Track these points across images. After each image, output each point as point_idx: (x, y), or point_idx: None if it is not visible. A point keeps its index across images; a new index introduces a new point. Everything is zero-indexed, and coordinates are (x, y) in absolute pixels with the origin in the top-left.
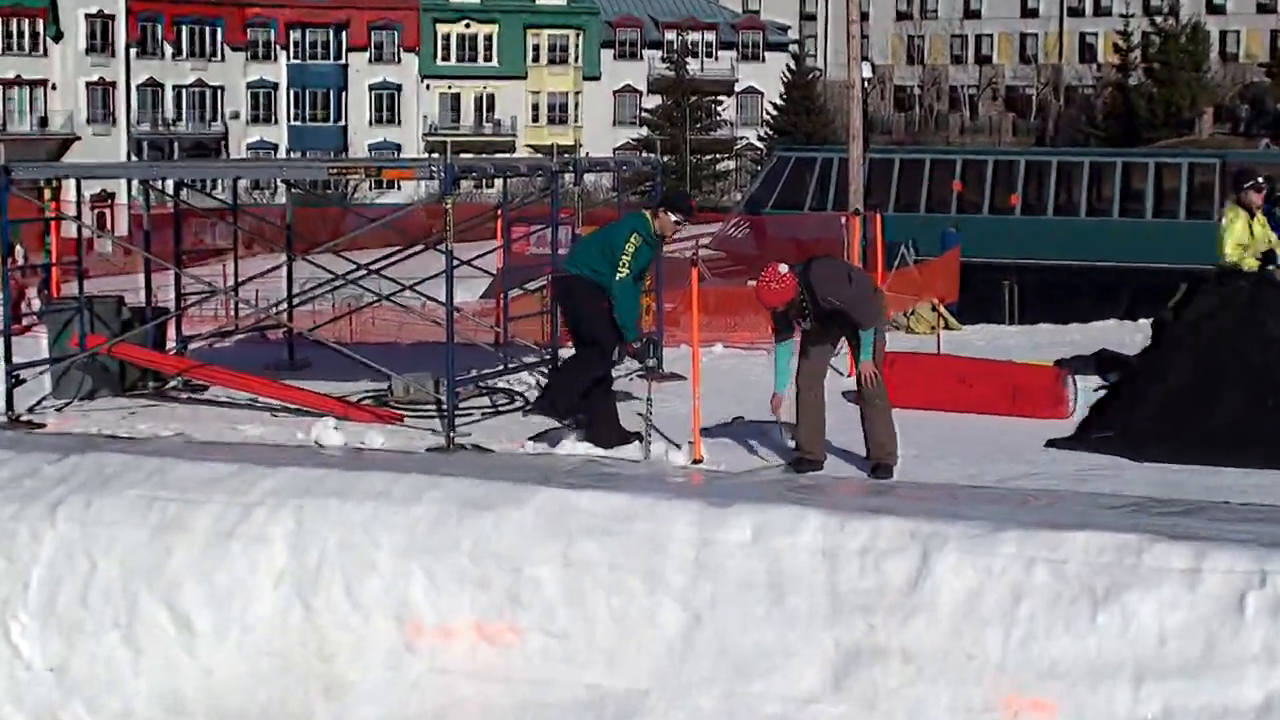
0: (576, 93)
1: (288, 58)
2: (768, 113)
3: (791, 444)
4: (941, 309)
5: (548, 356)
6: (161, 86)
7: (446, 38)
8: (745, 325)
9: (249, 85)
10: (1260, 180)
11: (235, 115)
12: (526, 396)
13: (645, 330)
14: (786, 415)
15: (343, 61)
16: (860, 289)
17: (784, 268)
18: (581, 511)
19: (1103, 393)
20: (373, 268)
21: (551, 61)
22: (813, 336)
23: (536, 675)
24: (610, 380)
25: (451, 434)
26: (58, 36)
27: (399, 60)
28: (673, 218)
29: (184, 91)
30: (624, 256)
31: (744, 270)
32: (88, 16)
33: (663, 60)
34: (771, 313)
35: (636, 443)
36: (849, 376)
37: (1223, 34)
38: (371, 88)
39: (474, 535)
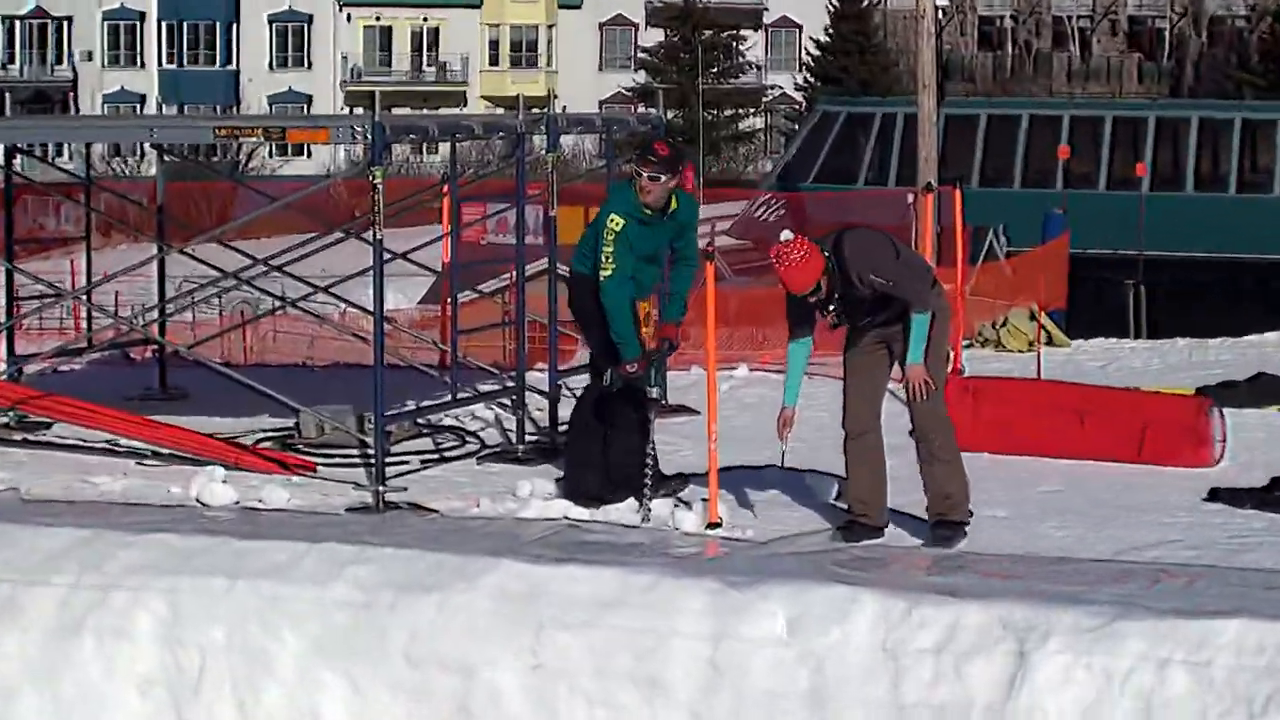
0: (550, 25)
1: None
2: (808, 52)
3: (839, 501)
4: (1044, 318)
5: (511, 383)
6: None
7: None
8: (778, 339)
9: (106, 16)
10: None
11: (87, 56)
12: (481, 438)
13: (654, 343)
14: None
15: None
16: (910, 266)
17: (789, 234)
18: (555, 595)
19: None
20: (275, 263)
21: None
22: (859, 345)
23: None
24: (609, 413)
25: (381, 489)
26: None
27: None
28: (644, 175)
29: (18, 24)
30: (605, 248)
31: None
32: None
33: None
34: (789, 302)
35: (633, 500)
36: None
37: None
38: (272, 19)
39: (410, 627)
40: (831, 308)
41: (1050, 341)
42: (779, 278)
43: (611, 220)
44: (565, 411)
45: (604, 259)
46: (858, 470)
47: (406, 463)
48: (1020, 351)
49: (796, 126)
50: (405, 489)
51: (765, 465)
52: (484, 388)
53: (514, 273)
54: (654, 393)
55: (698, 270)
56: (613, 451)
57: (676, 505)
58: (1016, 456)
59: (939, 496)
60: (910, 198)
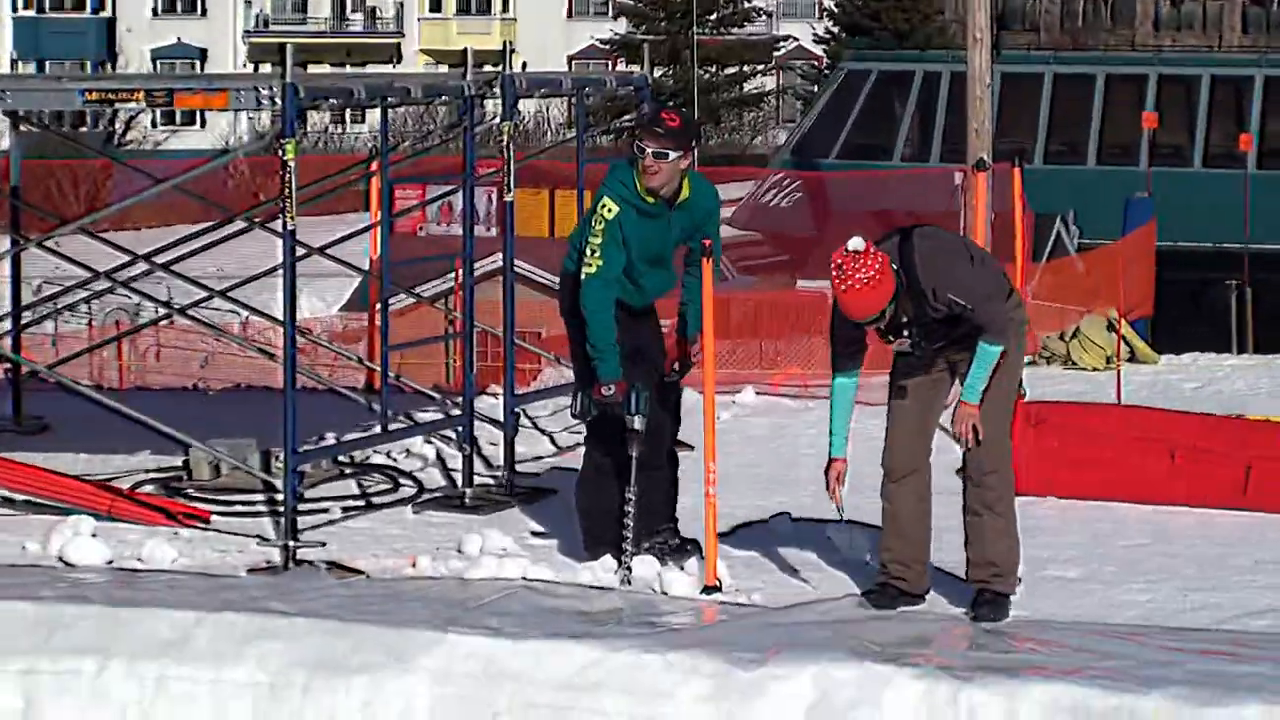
0: None
1: None
2: None
3: (871, 559)
4: (1125, 328)
5: (457, 411)
6: None
7: None
8: (793, 355)
9: None
10: None
11: None
12: (419, 480)
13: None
14: (861, 506)
15: None
16: (988, 276)
17: (858, 241)
18: (513, 677)
19: None
20: (159, 260)
21: None
22: (912, 366)
23: None
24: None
25: (292, 544)
26: None
27: None
28: (648, 151)
29: None
30: (591, 238)
31: (790, 261)
32: None
33: None
34: (836, 322)
35: (611, 558)
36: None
37: None
38: None
39: (330, 718)
40: (906, 335)
41: (1133, 357)
42: (837, 298)
43: (603, 206)
44: (524, 446)
45: (589, 252)
46: (896, 521)
47: (325, 511)
48: (1095, 370)
49: (816, 89)
50: (323, 544)
51: (776, 514)
52: (423, 417)
53: (460, 272)
54: (637, 423)
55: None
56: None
57: (665, 564)
58: (1090, 501)
59: (983, 562)
60: (958, 178)
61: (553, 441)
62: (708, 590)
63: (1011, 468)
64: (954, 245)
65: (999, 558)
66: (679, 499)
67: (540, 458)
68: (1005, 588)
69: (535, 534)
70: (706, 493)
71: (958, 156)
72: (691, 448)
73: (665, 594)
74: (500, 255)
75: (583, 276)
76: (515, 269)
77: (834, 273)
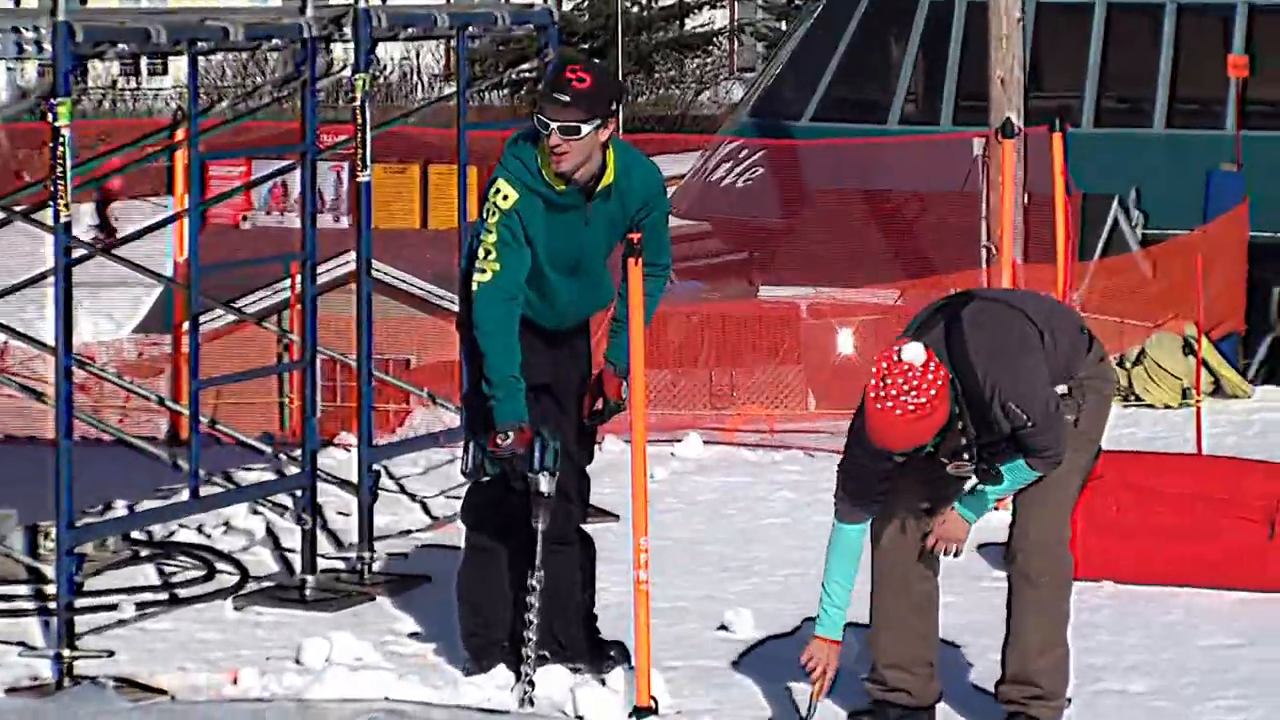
0: None
1: None
2: None
3: (860, 666)
4: (1207, 349)
5: (295, 470)
6: None
7: None
8: (755, 390)
9: None
10: None
11: None
12: (242, 564)
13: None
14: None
15: None
16: (1067, 359)
17: (918, 352)
18: None
19: None
20: None
21: None
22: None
23: None
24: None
25: (69, 653)
26: None
27: None
28: (553, 126)
29: None
30: (484, 237)
31: (750, 261)
32: None
33: None
34: (860, 455)
35: (505, 670)
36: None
37: None
38: None
39: None
40: (967, 457)
41: (1218, 389)
42: (868, 420)
43: (497, 192)
44: (387, 517)
45: (481, 254)
46: (891, 616)
47: (114, 608)
48: (1167, 407)
49: (783, 25)
50: (111, 653)
51: (731, 609)
52: (247, 478)
53: (298, 279)
54: (543, 484)
55: (661, 280)
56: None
57: (580, 676)
58: (1160, 588)
59: (1022, 679)
60: (977, 146)
61: (426, 510)
62: (638, 714)
63: (1069, 556)
64: (1019, 331)
65: (1044, 676)
66: (597, 588)
67: (409, 532)
68: (1048, 715)
69: (402, 637)
70: (636, 579)
71: (977, 117)
72: (615, 517)
73: (580, 719)
74: (353, 255)
75: (474, 286)
76: (374, 274)
77: (874, 385)
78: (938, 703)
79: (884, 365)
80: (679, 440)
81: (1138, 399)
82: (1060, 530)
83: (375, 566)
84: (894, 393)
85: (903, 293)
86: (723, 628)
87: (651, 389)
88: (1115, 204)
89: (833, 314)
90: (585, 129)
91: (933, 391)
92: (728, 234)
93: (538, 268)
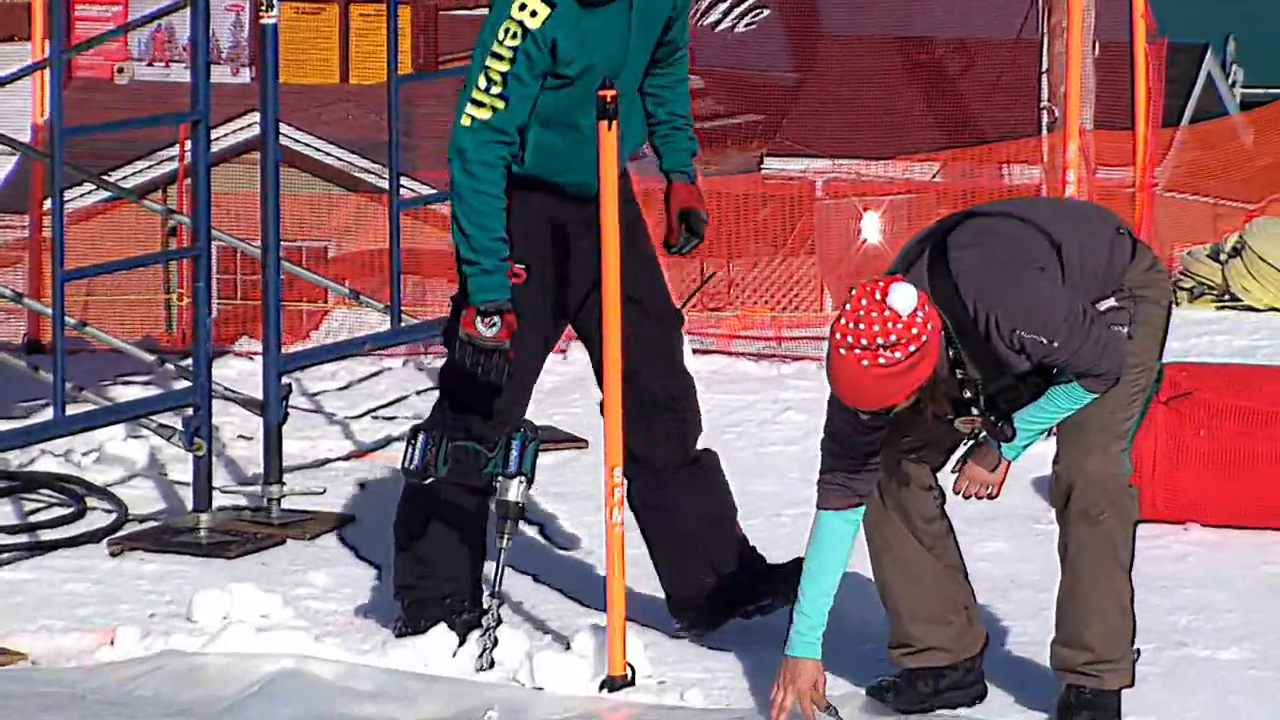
0: None
1: None
2: None
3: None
4: None
5: (185, 384)
6: None
7: None
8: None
9: None
10: None
11: None
12: (121, 500)
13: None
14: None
15: None
16: (1084, 268)
17: (908, 297)
18: None
19: None
20: None
21: None
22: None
23: None
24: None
25: None
26: None
27: None
28: None
29: None
30: (490, 64)
31: (752, 128)
32: None
33: None
34: (838, 418)
35: (447, 630)
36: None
37: None
38: None
39: None
40: (976, 411)
41: None
42: (832, 371)
43: (522, 7)
44: (295, 444)
45: (480, 83)
46: (901, 560)
47: None
48: (1273, 309)
49: None
50: None
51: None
52: (125, 394)
53: (187, 146)
54: (512, 491)
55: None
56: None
57: (539, 643)
58: (1258, 533)
59: (1076, 644)
60: None
61: (348, 435)
62: (610, 685)
63: (1133, 490)
64: (1015, 244)
65: (1100, 640)
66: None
67: (327, 461)
68: (1110, 682)
69: (317, 590)
70: (608, 521)
71: None
72: (584, 444)
73: (542, 689)
74: (256, 117)
75: (464, 120)
76: (283, 140)
77: (843, 325)
78: (978, 660)
79: (862, 303)
80: None
81: (1234, 299)
82: (1120, 460)
83: (285, 504)
84: (864, 341)
85: (943, 166)
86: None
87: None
88: (1208, 56)
89: (855, 193)
90: None
91: (913, 348)
92: (725, 92)
93: (568, 102)
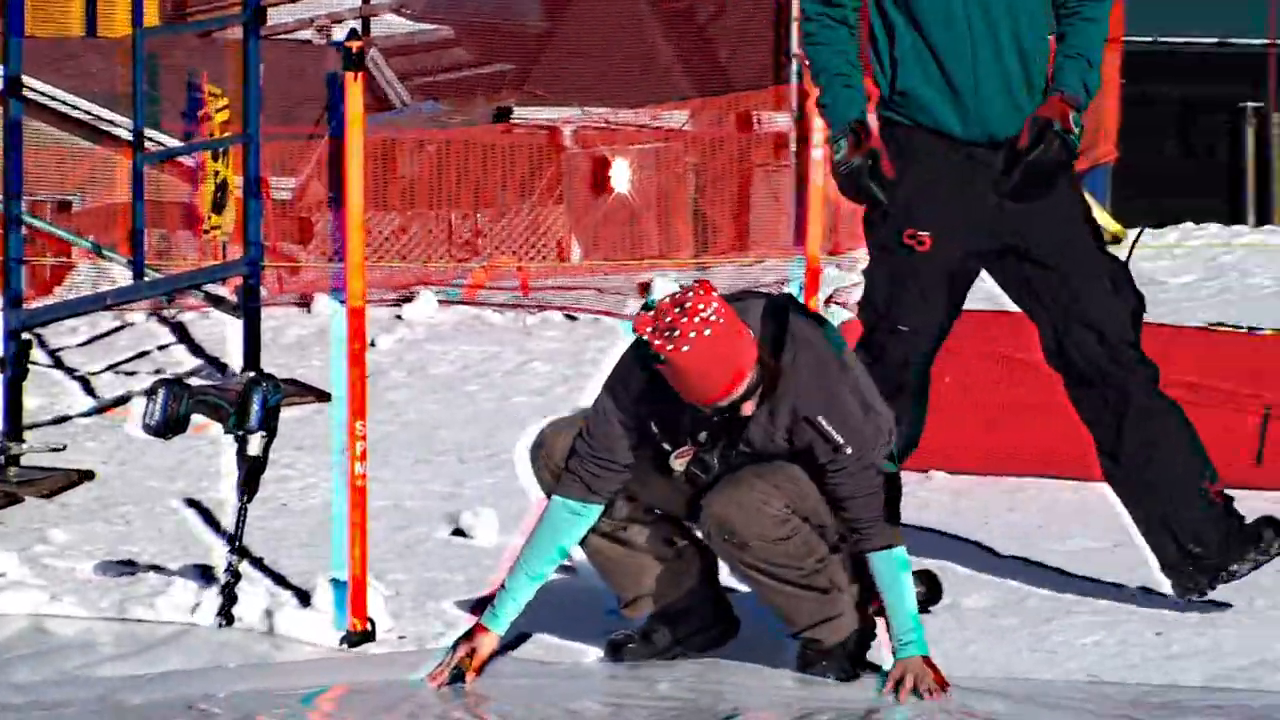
0: None
1: None
2: None
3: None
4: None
5: None
6: None
7: None
8: (504, 237)
9: None
10: None
11: None
12: None
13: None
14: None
15: None
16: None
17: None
18: None
19: None
20: None
21: None
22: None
23: None
24: None
25: None
26: None
27: None
28: None
29: None
30: None
31: (502, 76)
32: None
33: None
34: (607, 417)
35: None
36: None
37: None
38: None
39: None
40: (704, 453)
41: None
42: (681, 375)
43: None
44: (35, 400)
45: None
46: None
47: None
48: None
49: None
50: None
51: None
52: None
53: None
54: (253, 446)
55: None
56: None
57: (276, 598)
58: (1006, 479)
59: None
60: None
61: (89, 390)
62: (350, 640)
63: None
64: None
65: (806, 618)
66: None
67: (67, 418)
68: (834, 634)
69: (56, 548)
70: (351, 474)
71: None
72: (327, 397)
73: (280, 644)
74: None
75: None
76: (27, 93)
77: (664, 334)
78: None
79: (656, 315)
80: (408, 300)
81: None
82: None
83: (24, 461)
84: (688, 320)
85: (692, 114)
86: (459, 533)
87: (373, 237)
88: None
89: (604, 141)
90: None
91: (716, 308)
92: (475, 42)
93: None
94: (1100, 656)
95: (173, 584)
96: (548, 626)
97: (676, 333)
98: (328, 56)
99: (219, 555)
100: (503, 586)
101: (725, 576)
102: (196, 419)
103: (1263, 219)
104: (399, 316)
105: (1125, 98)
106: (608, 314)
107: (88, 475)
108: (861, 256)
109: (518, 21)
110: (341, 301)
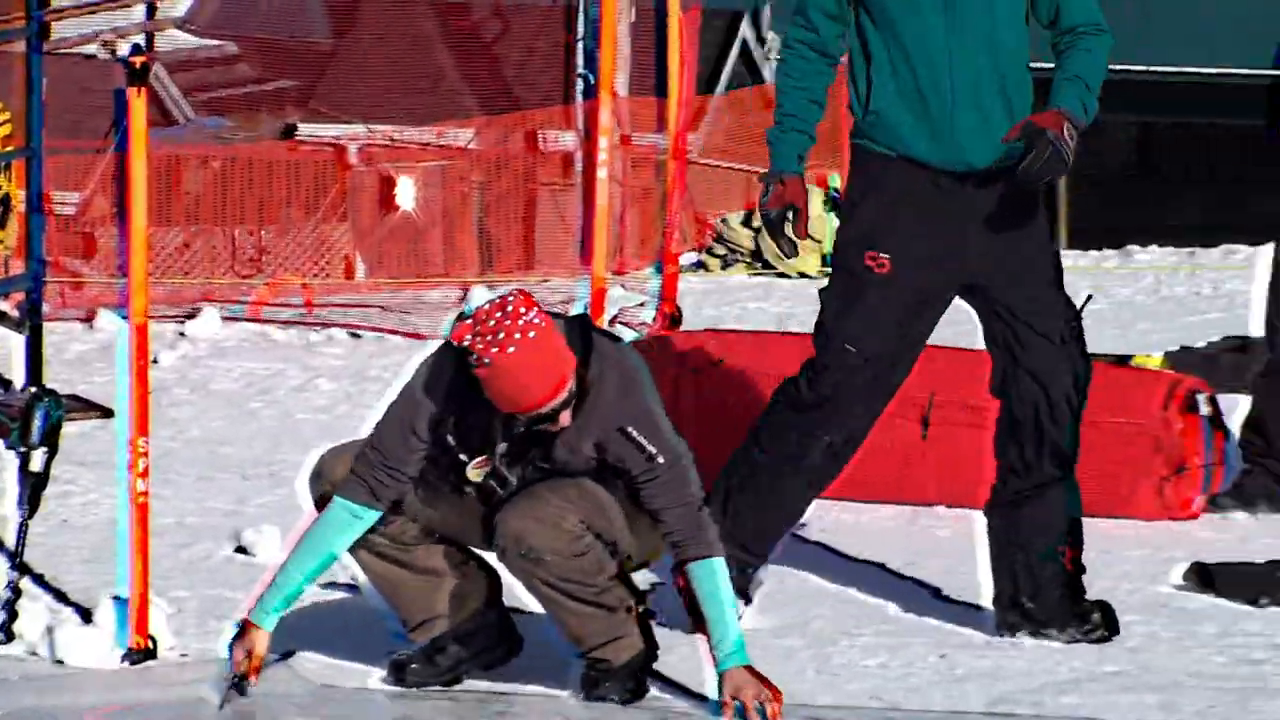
0: None
1: None
2: None
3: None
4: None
5: None
6: None
7: None
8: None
9: None
10: None
11: None
12: None
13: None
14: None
15: None
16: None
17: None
18: None
19: None
20: None
21: None
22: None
23: None
24: None
25: None
26: None
27: None
28: None
29: None
30: None
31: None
32: None
33: None
34: (407, 423)
35: None
36: None
37: None
38: None
39: None
40: (501, 467)
41: None
42: (499, 382)
43: None
44: None
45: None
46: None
47: None
48: (803, 275)
49: None
50: None
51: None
52: None
53: None
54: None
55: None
56: None
57: (59, 616)
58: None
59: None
60: None
61: None
62: (131, 657)
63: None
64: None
65: (590, 637)
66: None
67: None
68: (621, 653)
69: None
70: (132, 490)
71: None
72: (109, 413)
73: (60, 662)
74: None
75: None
76: None
77: (486, 339)
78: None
79: (474, 324)
80: (191, 316)
81: (767, 266)
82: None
83: None
84: (510, 324)
85: (478, 132)
86: (241, 550)
87: (157, 253)
88: (745, 23)
89: (389, 158)
90: None
91: (535, 315)
92: (260, 58)
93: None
94: (884, 679)
95: None
96: (331, 648)
97: (501, 335)
98: (114, 71)
99: None
100: (272, 582)
101: (509, 596)
102: None
103: None
104: (182, 333)
105: None
106: (392, 332)
107: None
108: (645, 276)
109: (303, 39)
110: (125, 317)
